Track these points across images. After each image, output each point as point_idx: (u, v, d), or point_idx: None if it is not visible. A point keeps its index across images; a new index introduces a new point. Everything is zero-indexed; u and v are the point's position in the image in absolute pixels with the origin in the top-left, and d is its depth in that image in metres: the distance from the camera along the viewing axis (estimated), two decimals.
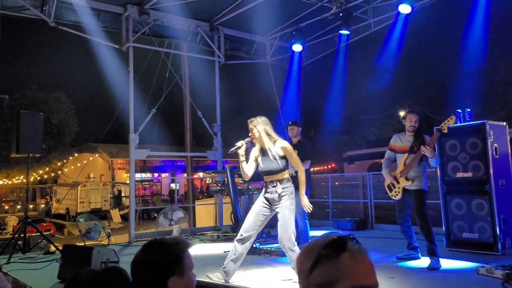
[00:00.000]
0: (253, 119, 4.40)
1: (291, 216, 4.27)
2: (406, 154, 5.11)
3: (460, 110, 5.81)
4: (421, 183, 5.07)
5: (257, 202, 4.46)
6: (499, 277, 4.10)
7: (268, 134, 4.34)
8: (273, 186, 4.29)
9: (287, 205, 4.25)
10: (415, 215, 5.06)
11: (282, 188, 4.27)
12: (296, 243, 4.27)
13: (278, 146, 4.31)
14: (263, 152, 4.35)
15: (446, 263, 4.95)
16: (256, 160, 4.41)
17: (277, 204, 4.27)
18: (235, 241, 4.36)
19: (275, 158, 4.26)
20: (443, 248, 5.62)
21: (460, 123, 5.79)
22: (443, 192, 5.87)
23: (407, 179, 5.06)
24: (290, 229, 4.22)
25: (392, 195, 5.29)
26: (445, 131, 4.97)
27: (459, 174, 5.69)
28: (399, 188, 5.17)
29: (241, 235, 4.33)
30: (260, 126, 4.33)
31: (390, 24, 8.91)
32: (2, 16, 7.20)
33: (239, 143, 4.38)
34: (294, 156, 4.38)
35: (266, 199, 4.36)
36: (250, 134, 4.39)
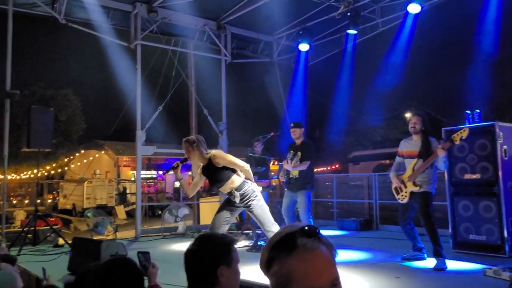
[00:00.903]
0: (188, 138, 4.50)
1: (264, 210, 4.46)
2: (416, 159, 5.07)
3: (469, 111, 5.78)
4: (428, 187, 5.03)
5: (224, 200, 4.67)
6: (506, 279, 4.08)
7: (201, 152, 4.45)
8: (233, 197, 4.43)
9: (254, 205, 4.42)
10: (420, 216, 5.03)
11: (240, 194, 4.40)
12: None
13: (214, 158, 4.41)
14: (205, 168, 4.48)
15: (453, 265, 4.94)
16: (200, 176, 4.56)
17: (245, 206, 4.45)
18: None
19: (216, 170, 4.40)
20: (449, 250, 5.60)
21: (469, 124, 5.76)
22: (450, 194, 5.85)
23: (415, 184, 5.04)
24: (269, 222, 4.43)
25: (399, 198, 5.29)
26: (457, 142, 4.93)
27: (467, 176, 5.67)
28: (406, 192, 5.15)
29: (212, 229, 4.45)
30: (195, 145, 4.43)
31: (399, 24, 8.90)
32: (13, 13, 7.28)
33: (174, 164, 4.52)
34: (227, 158, 4.43)
35: (231, 200, 4.53)
36: (185, 154, 4.49)
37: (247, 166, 4.48)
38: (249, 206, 4.42)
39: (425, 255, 5.24)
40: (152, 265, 2.59)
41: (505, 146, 5.48)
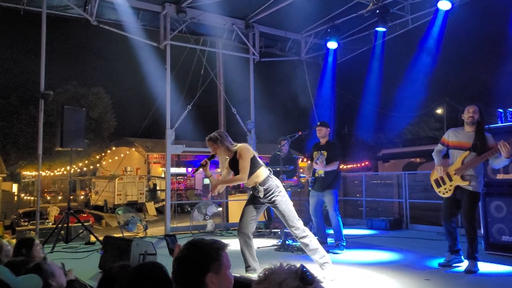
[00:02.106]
0: (211, 136, 4.49)
1: (288, 207, 4.43)
2: (467, 152, 4.68)
3: (501, 110, 5.62)
4: (479, 185, 4.71)
5: (249, 198, 4.68)
6: None
7: (228, 147, 4.44)
8: (256, 191, 4.45)
9: (278, 201, 4.40)
10: (463, 217, 4.75)
11: (264, 189, 4.40)
12: (304, 228, 4.43)
13: (237, 153, 4.40)
14: (231, 162, 4.48)
15: (485, 267, 4.83)
16: (228, 170, 4.57)
17: (270, 202, 4.44)
18: (238, 238, 4.52)
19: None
20: (481, 251, 5.45)
21: (502, 122, 5.60)
22: (482, 194, 5.66)
23: (463, 178, 4.69)
24: (294, 218, 4.40)
25: (439, 191, 4.94)
26: None
27: (500, 176, 5.52)
28: (451, 186, 4.80)
29: (239, 230, 4.52)
30: (219, 141, 4.42)
31: (429, 21, 8.71)
32: (47, 15, 7.52)
33: (203, 161, 4.52)
34: (242, 160, 4.36)
35: (255, 195, 4.54)
36: (212, 152, 4.51)
37: (242, 179, 4.37)
38: (273, 201, 4.41)
39: (462, 257, 4.94)
40: (179, 247, 2.61)
41: None
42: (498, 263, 4.99)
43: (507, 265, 4.89)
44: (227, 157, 4.52)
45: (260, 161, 4.52)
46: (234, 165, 4.46)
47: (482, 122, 4.74)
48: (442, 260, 5.02)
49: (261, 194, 4.41)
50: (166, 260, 2.17)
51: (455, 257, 4.96)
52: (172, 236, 3.05)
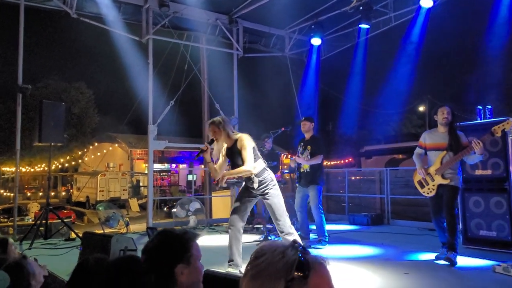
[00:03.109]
0: (213, 120, 4.45)
1: (280, 201, 4.41)
2: (444, 152, 4.89)
3: (480, 107, 5.72)
4: (458, 181, 4.93)
5: (241, 190, 4.62)
6: None
7: (228, 135, 4.41)
8: (251, 182, 4.40)
9: (271, 194, 4.38)
10: (444, 209, 4.91)
11: (259, 181, 4.36)
12: (291, 225, 4.42)
13: (239, 140, 4.38)
14: (229, 150, 4.45)
15: (463, 261, 4.92)
16: (224, 158, 4.51)
17: (263, 194, 4.40)
18: (228, 231, 4.47)
19: (240, 153, 4.35)
20: (460, 246, 5.56)
21: (480, 119, 5.71)
22: (461, 190, 5.78)
23: (444, 177, 4.89)
24: (283, 214, 4.39)
25: (423, 192, 5.12)
26: (499, 134, 4.68)
27: (478, 172, 5.62)
28: (433, 185, 4.99)
29: (230, 223, 4.45)
30: (221, 126, 4.38)
31: (411, 18, 8.80)
32: (26, 7, 7.36)
33: (203, 147, 4.45)
34: (245, 151, 4.32)
35: (248, 188, 4.50)
36: (212, 136, 4.44)
37: (250, 169, 4.30)
38: (266, 193, 4.38)
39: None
40: None
41: None
42: (476, 257, 5.08)
43: (485, 259, 4.98)
44: (225, 145, 4.47)
45: (258, 153, 4.51)
46: (231, 154, 4.42)
47: (453, 122, 4.96)
48: (442, 256, 5.08)
49: (255, 185, 4.36)
50: None
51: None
52: (154, 229, 3.02)
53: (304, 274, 1.08)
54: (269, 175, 4.46)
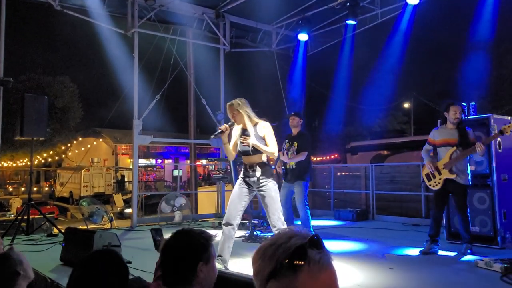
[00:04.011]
0: (232, 102, 4.41)
1: (277, 196, 4.38)
2: (454, 148, 5.02)
3: (465, 104, 5.78)
4: (467, 178, 5.04)
5: (236, 185, 4.51)
6: (497, 270, 4.12)
7: (249, 116, 4.37)
8: (253, 170, 4.35)
9: (271, 187, 4.34)
10: (458, 209, 5.07)
11: (262, 172, 4.33)
12: (284, 221, 4.38)
13: (260, 127, 4.35)
14: (244, 133, 4.39)
15: (446, 256, 5.00)
16: (237, 139, 4.44)
17: (260, 187, 4.35)
18: (223, 227, 4.42)
19: (261, 138, 4.32)
20: (443, 241, 5.65)
21: (465, 116, 5.75)
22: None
23: (451, 172, 5.02)
24: (278, 209, 4.35)
25: (430, 185, 5.25)
26: (508, 134, 4.82)
27: None
28: (440, 179, 5.11)
29: (226, 219, 4.39)
30: (242, 108, 4.35)
31: (397, 15, 8.84)
32: None
33: (222, 127, 4.38)
34: (270, 136, 4.34)
35: (246, 182, 4.43)
36: (232, 119, 4.39)
37: (274, 151, 4.33)
38: (265, 186, 4.32)
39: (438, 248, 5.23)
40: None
41: (499, 139, 5.52)
42: (457, 252, 5.13)
43: (468, 254, 5.03)
44: (242, 127, 4.41)
45: None
46: (245, 135, 4.33)
47: (462, 120, 5.09)
48: (422, 249, 5.23)
49: (258, 174, 4.30)
50: (132, 252, 2.11)
51: (434, 246, 5.20)
52: (158, 230, 2.96)
53: (293, 265, 1.03)
54: (271, 169, 4.46)
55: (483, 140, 4.93)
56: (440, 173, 5.12)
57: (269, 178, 4.36)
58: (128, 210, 8.03)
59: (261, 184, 4.34)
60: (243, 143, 4.31)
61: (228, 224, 4.37)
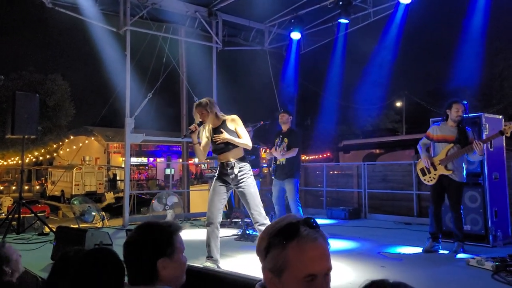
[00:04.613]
0: (200, 101, 4.41)
1: (256, 192, 4.38)
2: (451, 145, 5.06)
3: (466, 101, 5.80)
4: (462, 175, 5.07)
5: (214, 185, 4.49)
6: (489, 268, 4.15)
7: (217, 114, 4.38)
8: (231, 168, 4.33)
9: (249, 183, 4.35)
10: (451, 206, 5.12)
11: (239, 168, 4.32)
12: (266, 216, 4.39)
13: (229, 120, 4.36)
14: (215, 131, 4.38)
15: (437, 254, 5.04)
16: (208, 139, 4.43)
17: (239, 183, 4.34)
18: (206, 228, 4.41)
19: (232, 132, 4.33)
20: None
21: (466, 115, 5.77)
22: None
23: (447, 168, 5.05)
24: (259, 204, 4.35)
25: (424, 179, 5.29)
26: (508, 135, 4.84)
27: None
28: (435, 174, 5.16)
29: (208, 219, 4.38)
30: (211, 108, 4.35)
31: (390, 14, 8.87)
32: None
33: (192, 127, 4.37)
34: (241, 128, 4.36)
35: (223, 180, 4.42)
36: (200, 118, 4.37)
37: (248, 143, 4.34)
38: (243, 182, 4.31)
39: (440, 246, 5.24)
40: None
41: None
42: (449, 251, 5.16)
43: (459, 252, 5.07)
44: (211, 126, 4.40)
45: None
46: (217, 134, 4.33)
47: (463, 118, 5.12)
48: (424, 246, 5.25)
49: (236, 171, 4.29)
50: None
51: (436, 244, 5.22)
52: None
53: (281, 239, 1.19)
54: (248, 164, 4.45)
55: (484, 139, 4.98)
56: (435, 169, 5.15)
57: (247, 173, 4.36)
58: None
59: (240, 181, 4.33)
60: (216, 141, 4.31)
61: (210, 223, 4.36)
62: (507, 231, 5.64)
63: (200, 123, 4.38)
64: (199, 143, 4.46)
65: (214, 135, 4.35)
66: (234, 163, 4.32)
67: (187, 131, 4.42)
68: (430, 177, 5.22)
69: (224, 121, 4.37)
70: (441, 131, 5.21)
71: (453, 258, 4.88)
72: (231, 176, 4.34)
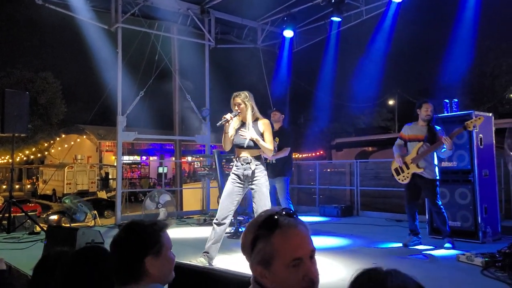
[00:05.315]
0: (240, 93, 4.39)
1: (267, 193, 4.38)
2: (421, 143, 5.19)
3: (447, 100, 5.87)
4: (434, 172, 5.19)
5: (228, 182, 4.46)
6: (478, 264, 4.19)
7: (252, 110, 4.39)
8: (247, 163, 4.33)
9: (263, 182, 4.34)
10: (430, 203, 5.26)
11: (256, 165, 4.32)
12: None
13: (261, 123, 4.38)
14: (243, 126, 4.38)
15: (428, 250, 5.06)
16: (235, 131, 4.41)
17: (253, 181, 4.33)
18: (213, 225, 4.39)
19: (261, 134, 4.33)
20: (425, 236, 5.72)
21: (447, 112, 5.87)
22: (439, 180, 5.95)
23: (418, 166, 5.18)
24: (268, 205, 4.33)
25: (399, 179, 5.41)
26: (471, 129, 5.03)
27: (444, 163, 5.76)
28: (408, 173, 5.28)
29: (218, 218, 4.36)
30: (249, 101, 4.36)
31: (382, 12, 8.90)
32: None
33: (227, 116, 4.33)
34: (269, 134, 4.39)
35: (238, 176, 4.39)
36: (237, 108, 4.36)
37: (272, 149, 4.42)
38: (258, 180, 4.31)
39: (420, 240, 5.36)
40: None
41: (480, 135, 5.64)
42: (441, 247, 5.20)
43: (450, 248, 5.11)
44: (242, 121, 4.39)
45: None
46: (245, 128, 4.32)
47: (433, 117, 5.27)
48: (411, 242, 5.35)
49: (253, 167, 4.28)
50: None
51: (416, 239, 5.34)
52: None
53: (265, 231, 1.28)
54: (264, 165, 4.45)
55: (450, 134, 5.04)
56: (408, 167, 5.28)
57: (263, 172, 4.37)
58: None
59: (254, 178, 4.32)
60: (242, 135, 4.31)
61: (220, 224, 4.34)
62: (496, 227, 5.70)
63: (236, 114, 4.36)
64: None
65: (242, 129, 4.35)
66: (251, 160, 4.33)
67: (222, 119, 4.34)
68: (404, 176, 5.35)
69: (256, 119, 4.39)
70: (412, 130, 5.35)
71: (443, 254, 4.91)
72: (246, 172, 4.32)
